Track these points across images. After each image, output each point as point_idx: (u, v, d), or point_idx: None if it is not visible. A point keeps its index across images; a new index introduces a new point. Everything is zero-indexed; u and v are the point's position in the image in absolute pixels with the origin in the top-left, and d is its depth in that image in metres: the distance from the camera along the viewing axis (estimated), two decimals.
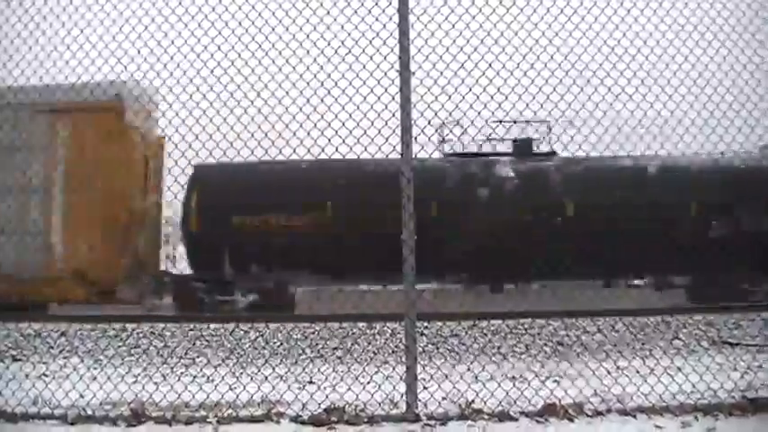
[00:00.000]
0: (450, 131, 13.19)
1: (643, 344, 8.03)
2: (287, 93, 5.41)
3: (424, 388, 4.89)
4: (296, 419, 4.46)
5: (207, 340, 8.95)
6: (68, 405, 4.76)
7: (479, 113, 5.50)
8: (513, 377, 5.83)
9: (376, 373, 5.57)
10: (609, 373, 5.43)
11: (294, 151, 5.49)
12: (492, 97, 5.40)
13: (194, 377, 5.85)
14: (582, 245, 12.41)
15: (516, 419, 4.42)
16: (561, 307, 11.78)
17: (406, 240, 4.68)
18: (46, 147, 12.07)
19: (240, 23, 5.37)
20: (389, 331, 9.17)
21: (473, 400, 4.70)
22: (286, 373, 6.09)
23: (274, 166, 11.57)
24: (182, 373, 6.00)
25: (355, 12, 5.27)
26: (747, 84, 5.63)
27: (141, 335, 9.34)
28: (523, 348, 7.87)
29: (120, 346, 8.38)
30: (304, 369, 6.53)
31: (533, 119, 11.60)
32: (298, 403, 4.80)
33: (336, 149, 5.34)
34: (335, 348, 8.22)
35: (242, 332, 9.50)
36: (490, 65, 5.41)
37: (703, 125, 5.60)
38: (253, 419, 4.47)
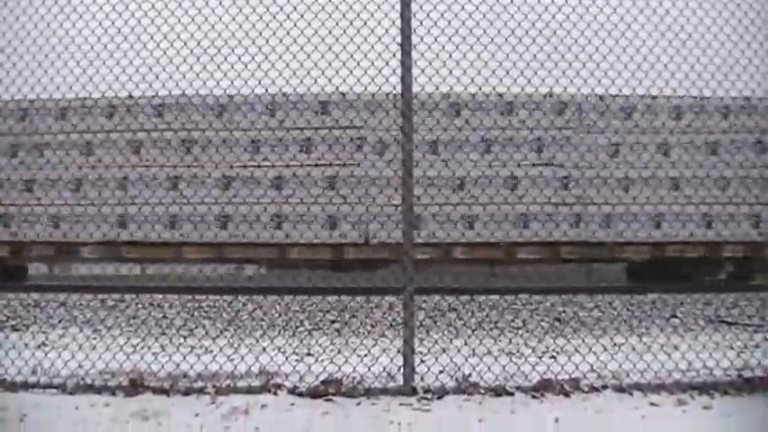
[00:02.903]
0: None
1: (640, 321, 8.06)
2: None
3: (422, 362, 4.91)
4: (293, 391, 4.48)
5: (205, 311, 8.97)
6: (67, 374, 4.78)
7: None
8: (510, 352, 5.85)
9: (374, 346, 5.59)
10: (605, 349, 5.45)
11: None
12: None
13: (192, 348, 5.87)
14: None
15: (512, 394, 4.44)
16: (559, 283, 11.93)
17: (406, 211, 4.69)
18: None
19: None
20: (387, 304, 9.20)
21: (470, 375, 4.72)
22: (284, 344, 6.11)
23: None
24: (180, 343, 6.01)
25: None
26: None
27: (140, 305, 9.37)
28: (521, 324, 7.89)
29: (118, 317, 8.40)
30: (302, 341, 6.55)
31: None
32: (295, 375, 4.82)
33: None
34: (333, 321, 8.25)
35: (240, 304, 9.53)
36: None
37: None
38: (250, 390, 4.49)
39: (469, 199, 12.92)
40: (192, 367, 4.93)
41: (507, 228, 12.87)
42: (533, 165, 13.07)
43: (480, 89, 5.33)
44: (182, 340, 6.38)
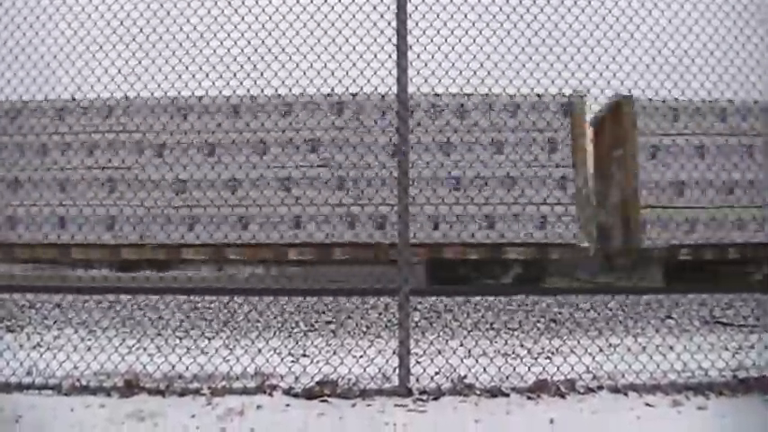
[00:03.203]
0: None
1: (635, 322, 8.08)
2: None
3: (417, 363, 4.91)
4: (289, 392, 4.48)
5: (201, 312, 8.96)
6: (63, 375, 4.77)
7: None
8: (506, 353, 5.85)
9: (369, 347, 5.58)
10: (601, 350, 5.46)
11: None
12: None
13: (188, 349, 5.86)
14: None
15: (508, 395, 4.45)
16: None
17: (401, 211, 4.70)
18: None
19: None
20: (383, 305, 9.20)
21: (465, 376, 4.73)
22: (279, 345, 6.10)
23: None
24: (175, 344, 6.00)
25: None
26: None
27: (135, 306, 9.35)
28: (516, 325, 7.89)
29: (114, 318, 8.39)
30: (297, 342, 6.54)
31: None
32: (291, 376, 4.82)
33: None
34: (329, 322, 8.24)
35: (236, 305, 9.52)
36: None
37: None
38: (246, 391, 4.49)
39: (245, 201, 12.72)
40: (187, 368, 4.93)
41: (282, 229, 12.69)
42: (311, 166, 12.84)
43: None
44: (177, 341, 6.36)
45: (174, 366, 4.93)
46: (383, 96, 11.93)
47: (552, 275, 14.05)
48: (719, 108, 12.54)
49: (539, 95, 11.70)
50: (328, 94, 11.67)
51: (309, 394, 4.43)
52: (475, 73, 5.15)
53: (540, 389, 4.51)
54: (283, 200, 12.69)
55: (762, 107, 12.44)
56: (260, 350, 5.55)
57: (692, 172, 12.28)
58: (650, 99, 12.25)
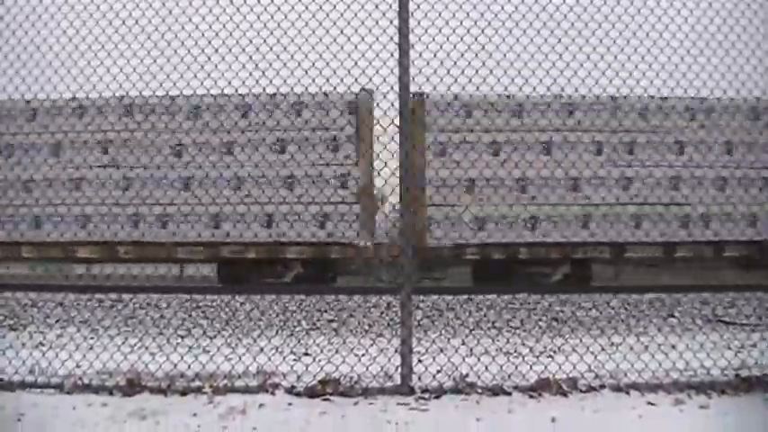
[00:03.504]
0: None
1: (638, 320, 8.08)
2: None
3: (419, 361, 4.92)
4: (291, 391, 4.49)
5: (203, 311, 8.97)
6: (65, 374, 4.78)
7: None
8: (508, 352, 5.85)
9: (371, 345, 5.59)
10: (603, 349, 5.46)
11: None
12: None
13: (190, 348, 5.86)
14: None
15: (510, 394, 4.45)
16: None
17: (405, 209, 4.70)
18: None
19: None
20: (385, 304, 9.21)
21: (467, 374, 4.73)
22: (282, 344, 6.11)
23: None
24: (177, 343, 6.01)
25: None
26: None
27: (137, 305, 9.36)
28: (518, 323, 7.89)
29: (116, 317, 8.40)
30: (299, 341, 6.55)
31: None
32: (293, 375, 4.83)
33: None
34: (331, 321, 8.25)
35: (238, 303, 9.53)
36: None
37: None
38: (248, 390, 4.49)
39: (39, 200, 12.70)
40: (189, 367, 4.93)
41: (72, 228, 12.55)
42: (100, 166, 12.81)
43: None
44: (179, 340, 6.38)
45: (175, 365, 4.93)
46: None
47: (352, 274, 14.34)
48: (515, 104, 12.55)
49: (325, 94, 11.72)
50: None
51: (311, 393, 4.43)
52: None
53: (541, 387, 4.51)
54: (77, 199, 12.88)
55: (547, 101, 12.53)
56: (262, 349, 5.57)
57: (484, 170, 12.25)
58: (442, 96, 12.36)
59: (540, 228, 12.61)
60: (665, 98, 12.55)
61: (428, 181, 12.51)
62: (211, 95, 12.09)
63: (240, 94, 11.75)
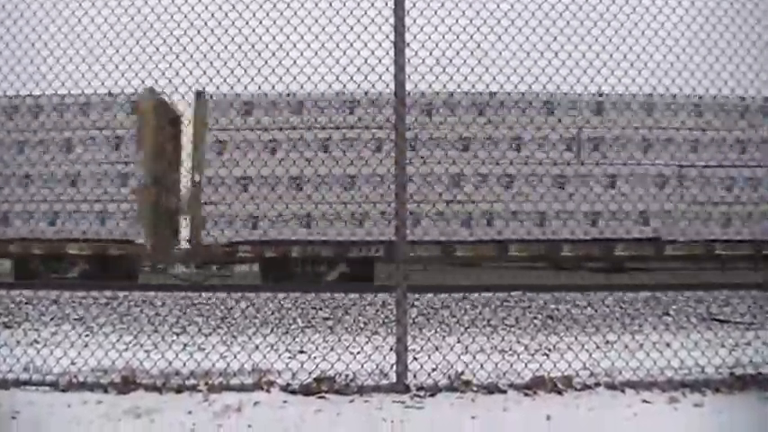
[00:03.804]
0: None
1: (633, 319, 8.09)
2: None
3: (414, 359, 4.92)
4: (286, 389, 4.49)
5: (198, 309, 8.96)
6: (60, 372, 4.77)
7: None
8: (503, 350, 5.86)
9: (366, 343, 5.59)
10: (598, 347, 5.46)
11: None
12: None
13: (185, 345, 5.85)
14: None
15: (505, 392, 4.46)
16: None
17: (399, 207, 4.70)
18: None
19: None
20: (380, 302, 9.21)
21: (462, 372, 4.73)
22: (277, 342, 6.10)
23: None
24: (172, 341, 6.00)
25: None
26: None
27: (132, 303, 9.35)
28: (514, 321, 7.90)
29: (111, 314, 8.38)
30: (295, 339, 6.55)
31: None
32: (288, 372, 4.83)
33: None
34: (326, 318, 8.25)
35: (233, 301, 9.52)
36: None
37: None
38: (243, 388, 4.49)
39: None
40: (184, 365, 4.93)
41: None
42: None
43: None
44: (174, 337, 6.37)
45: (170, 363, 4.93)
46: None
47: (156, 272, 14.66)
48: (296, 102, 12.66)
49: (110, 94, 11.72)
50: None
51: (307, 391, 4.43)
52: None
53: (537, 385, 4.52)
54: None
55: (328, 98, 12.52)
56: (257, 347, 5.56)
57: (261, 168, 12.41)
58: (224, 95, 12.30)
59: (315, 226, 12.70)
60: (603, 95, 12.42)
61: (207, 179, 12.77)
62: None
63: (33, 96, 12.13)
